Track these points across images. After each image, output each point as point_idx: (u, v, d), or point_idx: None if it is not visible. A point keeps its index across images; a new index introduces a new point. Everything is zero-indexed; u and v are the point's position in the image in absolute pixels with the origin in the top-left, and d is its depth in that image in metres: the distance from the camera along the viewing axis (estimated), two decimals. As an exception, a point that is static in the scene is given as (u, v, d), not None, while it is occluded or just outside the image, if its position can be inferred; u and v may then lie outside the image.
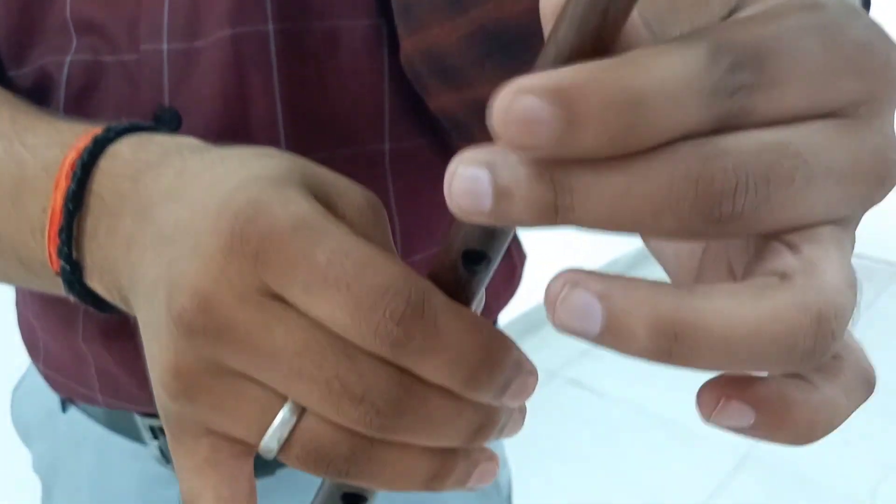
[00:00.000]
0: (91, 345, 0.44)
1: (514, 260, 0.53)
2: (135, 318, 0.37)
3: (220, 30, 0.38)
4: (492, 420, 0.22)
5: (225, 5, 0.38)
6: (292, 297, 0.20)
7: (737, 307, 0.15)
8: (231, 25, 0.38)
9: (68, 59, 0.40)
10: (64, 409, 0.52)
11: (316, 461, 0.21)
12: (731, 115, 0.16)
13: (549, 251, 2.24)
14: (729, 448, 2.03)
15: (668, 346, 0.16)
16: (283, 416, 0.21)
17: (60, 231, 0.27)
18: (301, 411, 0.21)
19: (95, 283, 0.27)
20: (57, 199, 0.27)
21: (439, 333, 0.20)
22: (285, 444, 0.21)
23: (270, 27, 0.39)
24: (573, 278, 0.16)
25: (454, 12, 0.34)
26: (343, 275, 0.20)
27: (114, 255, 0.26)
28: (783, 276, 0.16)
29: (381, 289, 0.20)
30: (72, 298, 0.28)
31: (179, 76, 0.39)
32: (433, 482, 0.22)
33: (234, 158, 0.24)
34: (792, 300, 0.15)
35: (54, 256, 0.27)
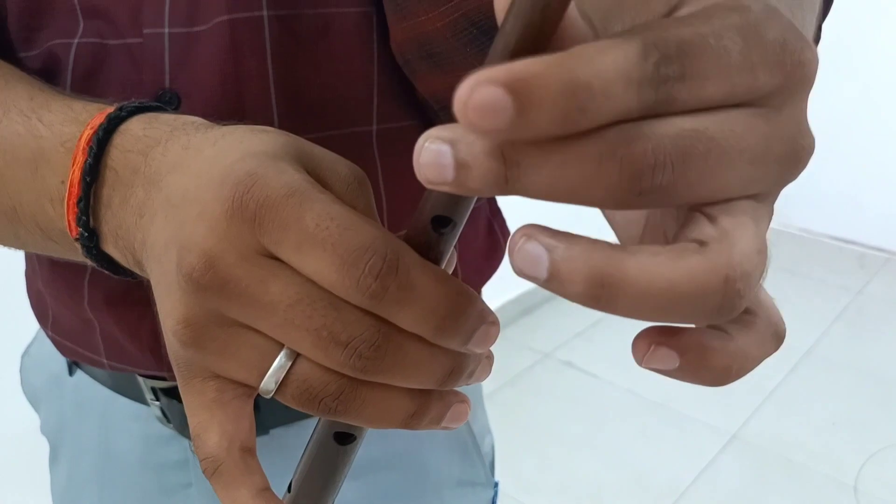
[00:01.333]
0: (96, 311, 0.46)
1: (497, 236, 0.56)
2: (136, 285, 0.40)
3: (218, 15, 0.40)
4: (461, 365, 0.25)
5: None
6: (286, 256, 0.23)
7: (657, 265, 0.18)
8: (228, 11, 0.40)
9: (75, 41, 0.43)
10: (71, 372, 0.55)
11: (308, 400, 0.24)
12: (657, 103, 0.18)
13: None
14: (716, 431, 2.07)
15: (598, 294, 0.18)
16: (279, 361, 0.24)
17: (79, 201, 0.29)
18: (295, 356, 0.24)
19: (110, 248, 0.30)
20: (75, 173, 0.29)
21: (412, 287, 0.23)
22: (281, 385, 0.24)
23: (265, 13, 0.41)
24: (528, 232, 0.18)
25: (440, 1, 0.37)
26: (328, 236, 0.22)
27: (127, 222, 0.29)
28: (701, 243, 0.19)
29: (361, 248, 0.22)
30: (89, 262, 0.31)
31: (179, 59, 0.41)
32: (411, 420, 0.25)
33: (234, 135, 0.27)
34: (704, 263, 0.18)
35: (73, 224, 0.30)
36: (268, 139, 0.26)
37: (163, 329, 0.26)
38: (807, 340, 2.47)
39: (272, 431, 0.48)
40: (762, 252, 0.20)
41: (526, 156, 0.18)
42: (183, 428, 0.51)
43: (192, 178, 0.25)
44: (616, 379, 2.28)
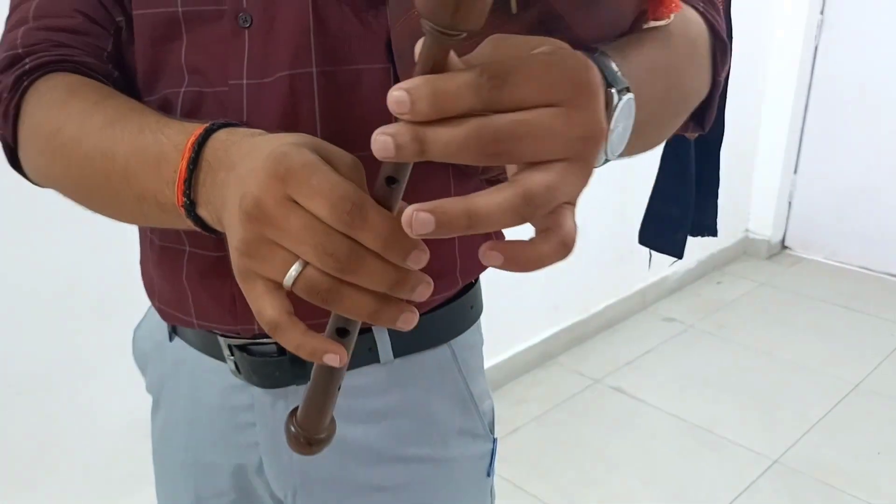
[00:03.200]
0: (191, 283, 0.64)
1: (492, 235, 0.72)
2: (219, 261, 0.57)
3: (280, 71, 0.58)
4: (404, 278, 0.39)
5: (285, 54, 0.58)
6: (301, 202, 0.38)
7: (489, 197, 0.34)
8: (289, 68, 0.58)
9: (182, 90, 0.61)
10: (171, 339, 0.73)
11: (310, 293, 0.39)
12: (491, 102, 0.34)
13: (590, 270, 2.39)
14: (758, 455, 2.12)
15: (462, 223, 0.34)
16: (295, 268, 0.39)
17: (185, 182, 0.46)
18: (305, 265, 0.39)
19: (203, 211, 0.47)
20: (182, 165, 0.47)
21: (368, 220, 0.38)
22: (295, 283, 0.39)
23: (314, 70, 0.58)
24: (421, 208, 0.34)
25: None
26: (323, 190, 0.38)
27: (214, 194, 0.45)
28: (517, 180, 0.35)
29: (342, 198, 0.38)
30: (189, 223, 0.48)
31: (253, 102, 0.59)
32: (374, 315, 0.40)
33: (278, 135, 0.44)
34: (513, 190, 0.34)
35: (180, 198, 0.47)
36: (295, 137, 0.43)
37: (230, 250, 0.42)
38: (857, 374, 2.50)
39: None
40: (552, 188, 0.35)
41: (428, 138, 0.34)
42: (250, 378, 0.67)
43: (252, 161, 0.41)
44: (662, 404, 2.36)
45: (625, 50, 0.46)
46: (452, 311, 0.70)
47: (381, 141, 0.34)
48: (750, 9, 3.07)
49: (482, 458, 0.75)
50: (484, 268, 0.72)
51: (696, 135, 0.82)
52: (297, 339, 0.40)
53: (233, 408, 0.70)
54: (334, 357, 0.41)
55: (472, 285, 0.73)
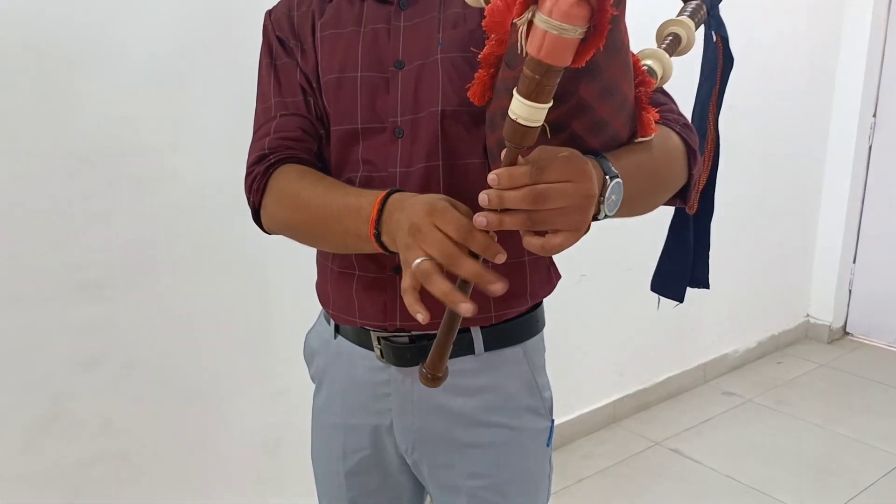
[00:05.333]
0: (357, 295, 1.00)
1: (552, 273, 1.06)
2: (377, 279, 0.94)
3: (420, 163, 0.95)
4: (486, 273, 0.74)
5: (422, 153, 0.95)
6: (440, 226, 0.74)
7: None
8: (425, 161, 0.95)
9: (359, 175, 0.99)
10: (335, 336, 1.09)
11: (426, 275, 0.74)
12: (537, 180, 0.70)
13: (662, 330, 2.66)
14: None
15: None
16: (423, 259, 0.74)
17: (375, 221, 0.83)
18: (430, 257, 0.74)
19: (385, 238, 0.83)
20: (373, 213, 0.83)
21: (475, 237, 0.73)
22: (421, 270, 0.74)
23: (440, 163, 0.95)
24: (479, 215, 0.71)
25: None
26: (451, 222, 0.73)
27: (391, 227, 0.81)
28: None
29: (462, 226, 0.73)
30: (376, 246, 0.84)
31: (402, 182, 0.96)
32: (478, 277, 0.74)
33: (425, 195, 0.80)
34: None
35: (372, 230, 0.84)
36: (436, 195, 0.79)
37: (400, 252, 0.78)
38: (909, 449, 2.66)
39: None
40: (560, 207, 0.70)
41: (505, 196, 0.70)
42: (390, 360, 1.02)
43: (412, 205, 0.78)
44: (718, 465, 2.58)
45: (619, 154, 0.81)
46: (524, 322, 1.04)
47: (483, 197, 0.70)
48: (807, 112, 3.38)
49: (543, 431, 1.07)
50: (547, 293, 1.06)
51: (694, 209, 1.18)
52: (445, 287, 0.74)
53: (375, 382, 1.05)
54: (470, 305, 0.75)
55: (538, 305, 1.06)
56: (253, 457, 1.95)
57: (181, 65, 1.67)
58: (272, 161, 0.98)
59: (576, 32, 0.62)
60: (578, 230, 0.72)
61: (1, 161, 1.48)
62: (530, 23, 0.64)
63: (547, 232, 0.72)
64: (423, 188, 0.95)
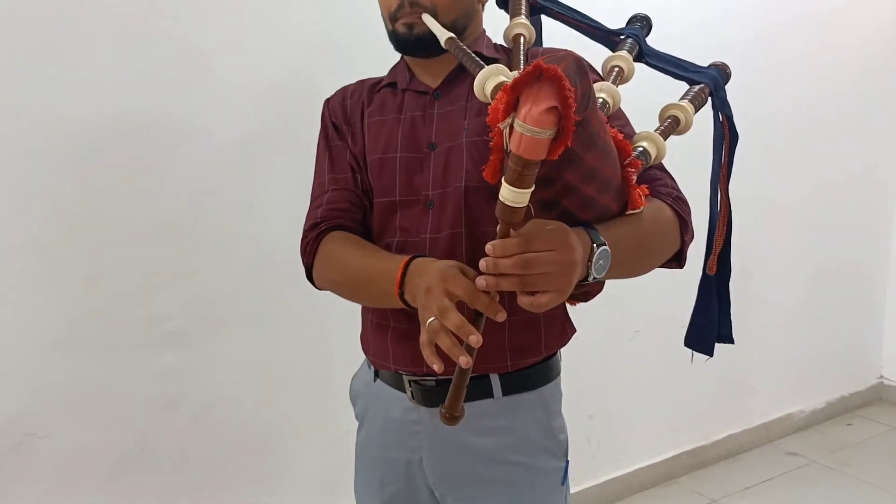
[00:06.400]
0: (391, 344, 1.15)
1: (567, 326, 1.19)
2: (408, 331, 1.09)
3: (446, 230, 1.10)
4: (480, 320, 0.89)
5: (449, 221, 1.10)
6: (450, 290, 0.88)
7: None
8: (450, 228, 1.10)
9: (395, 240, 1.15)
10: (374, 380, 1.24)
11: (434, 332, 0.87)
12: (526, 250, 0.83)
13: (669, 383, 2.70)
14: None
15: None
16: (434, 319, 0.88)
17: (399, 285, 0.99)
18: (439, 319, 0.88)
19: (407, 297, 0.98)
20: (398, 276, 0.99)
21: (480, 297, 0.87)
22: (430, 328, 0.88)
23: (463, 230, 1.10)
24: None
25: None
26: (460, 286, 0.88)
27: (412, 288, 0.96)
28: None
29: (470, 290, 0.87)
30: (400, 303, 1.00)
31: (432, 246, 1.11)
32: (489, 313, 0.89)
33: (441, 261, 0.95)
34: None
35: (397, 291, 0.99)
36: (449, 262, 0.94)
37: (418, 307, 0.93)
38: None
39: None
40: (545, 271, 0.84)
41: (500, 262, 0.84)
42: (419, 401, 1.16)
43: (430, 271, 0.93)
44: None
45: (609, 225, 0.94)
46: (539, 370, 1.16)
47: (482, 263, 0.85)
48: (870, 165, 3.39)
49: (558, 471, 1.18)
50: (561, 345, 1.18)
51: (713, 271, 1.29)
52: (452, 349, 0.88)
53: (408, 421, 1.18)
54: (467, 358, 0.89)
55: (552, 356, 1.19)
56: (314, 495, 2.09)
57: (255, 144, 1.89)
58: (323, 228, 1.16)
59: (546, 134, 0.76)
60: (563, 291, 0.85)
61: (103, 226, 1.72)
62: (511, 126, 0.79)
63: (538, 292, 0.86)
64: (450, 251, 1.10)
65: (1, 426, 1.65)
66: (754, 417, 3.14)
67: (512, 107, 0.78)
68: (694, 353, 1.38)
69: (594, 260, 0.90)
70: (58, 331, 1.70)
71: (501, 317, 0.87)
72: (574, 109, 0.75)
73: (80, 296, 1.72)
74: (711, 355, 1.34)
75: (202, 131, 1.82)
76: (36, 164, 1.64)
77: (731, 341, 1.35)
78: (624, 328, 2.71)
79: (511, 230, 0.86)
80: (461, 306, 0.88)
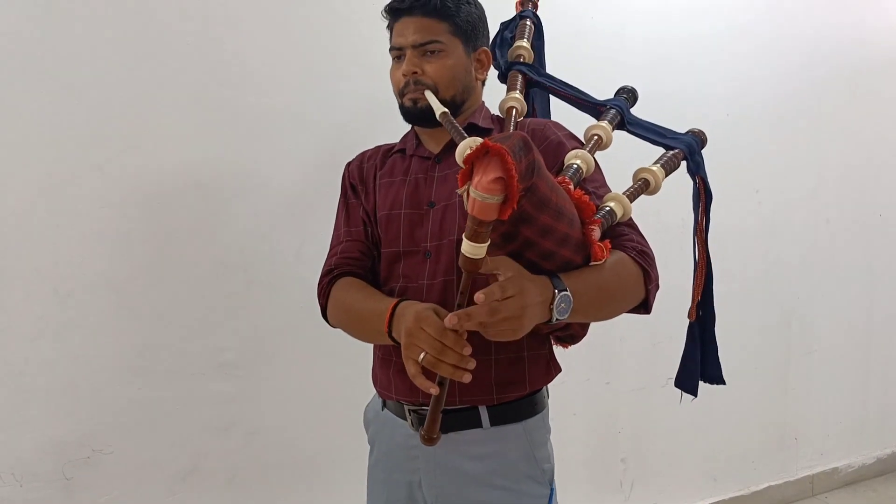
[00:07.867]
0: (394, 376, 1.32)
1: (551, 366, 1.33)
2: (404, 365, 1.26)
3: (440, 277, 1.27)
4: (465, 358, 1.04)
5: (443, 269, 1.27)
6: (426, 329, 1.04)
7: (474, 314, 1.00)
8: (444, 276, 1.27)
9: (398, 286, 1.32)
10: (382, 409, 1.40)
11: (428, 365, 1.03)
12: (498, 297, 0.99)
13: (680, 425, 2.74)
14: None
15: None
16: (423, 354, 1.04)
17: (388, 324, 1.16)
18: (426, 354, 1.04)
19: (395, 335, 1.15)
20: (387, 316, 1.16)
21: (448, 336, 1.03)
22: (422, 360, 1.04)
23: (454, 277, 1.26)
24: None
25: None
26: (432, 327, 1.04)
27: (398, 328, 1.13)
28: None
29: (440, 330, 1.04)
30: (391, 341, 1.16)
31: (428, 290, 1.27)
32: (452, 374, 1.04)
33: (421, 305, 1.12)
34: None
35: (386, 331, 1.16)
36: (427, 304, 1.11)
37: (402, 348, 1.09)
38: None
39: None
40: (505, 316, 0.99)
41: (472, 311, 1.00)
42: (418, 428, 1.31)
43: (410, 313, 1.09)
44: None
45: (571, 274, 1.09)
46: (523, 404, 1.30)
47: (450, 320, 1.01)
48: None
49: (542, 497, 1.31)
50: (545, 382, 1.32)
51: (693, 317, 1.42)
52: (421, 383, 1.05)
53: (409, 446, 1.34)
54: (435, 389, 1.05)
55: (537, 391, 1.32)
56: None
57: (305, 197, 2.12)
58: (335, 274, 1.34)
59: (494, 199, 0.93)
60: (518, 329, 1.00)
61: (169, 267, 1.96)
62: (467, 192, 0.95)
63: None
64: (443, 294, 1.26)
65: (73, 442, 1.89)
66: (798, 469, 3.13)
67: (468, 176, 0.94)
68: (682, 393, 1.50)
69: (556, 303, 1.04)
70: (126, 359, 1.94)
71: (467, 351, 1.03)
72: (517, 179, 0.91)
73: (147, 329, 1.95)
74: (695, 395, 1.45)
75: (259, 185, 2.05)
76: (113, 212, 1.89)
77: (722, 382, 1.46)
78: (657, 377, 2.78)
79: (472, 277, 1.02)
80: (429, 374, 1.06)
